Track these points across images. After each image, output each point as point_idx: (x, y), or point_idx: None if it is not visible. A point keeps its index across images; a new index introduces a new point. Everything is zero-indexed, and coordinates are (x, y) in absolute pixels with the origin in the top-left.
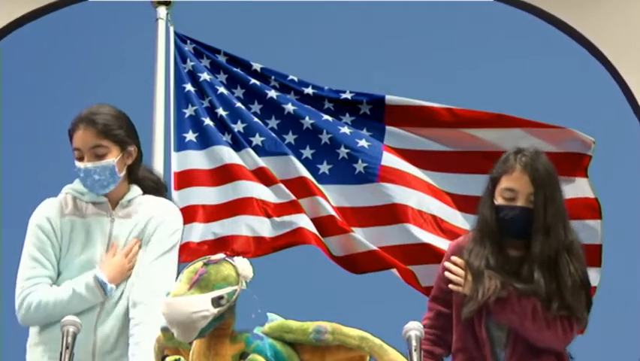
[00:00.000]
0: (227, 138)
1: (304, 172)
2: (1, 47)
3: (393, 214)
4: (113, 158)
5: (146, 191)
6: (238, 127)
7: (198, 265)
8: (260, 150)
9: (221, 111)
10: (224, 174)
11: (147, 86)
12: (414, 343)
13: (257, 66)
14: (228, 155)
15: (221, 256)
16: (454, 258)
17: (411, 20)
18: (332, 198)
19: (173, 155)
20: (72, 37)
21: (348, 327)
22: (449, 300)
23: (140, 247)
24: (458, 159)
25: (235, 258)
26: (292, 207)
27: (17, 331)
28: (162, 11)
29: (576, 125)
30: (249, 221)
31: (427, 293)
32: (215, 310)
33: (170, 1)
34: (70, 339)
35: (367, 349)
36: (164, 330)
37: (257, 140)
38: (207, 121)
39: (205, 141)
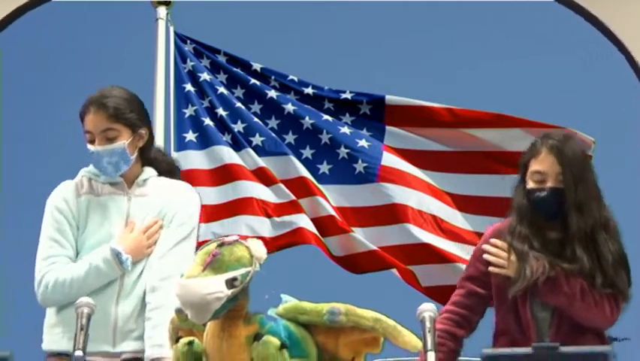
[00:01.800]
0: (227, 138)
1: (304, 172)
2: (1, 47)
3: (393, 214)
4: (123, 141)
5: (159, 173)
6: (238, 127)
7: (212, 246)
8: (260, 150)
9: (221, 111)
10: (224, 174)
11: (147, 86)
12: (428, 324)
13: (257, 66)
14: (228, 155)
15: (234, 237)
16: (493, 240)
17: (411, 20)
18: (332, 198)
19: (173, 155)
20: (72, 37)
21: (362, 308)
22: (487, 282)
23: (160, 226)
24: (458, 159)
25: (248, 239)
26: (292, 207)
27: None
28: (162, 11)
29: (577, 125)
30: (249, 221)
31: (427, 293)
32: (229, 292)
33: (170, 1)
34: (84, 320)
35: (381, 330)
36: (178, 312)
37: (257, 140)
38: (207, 121)
39: (205, 141)
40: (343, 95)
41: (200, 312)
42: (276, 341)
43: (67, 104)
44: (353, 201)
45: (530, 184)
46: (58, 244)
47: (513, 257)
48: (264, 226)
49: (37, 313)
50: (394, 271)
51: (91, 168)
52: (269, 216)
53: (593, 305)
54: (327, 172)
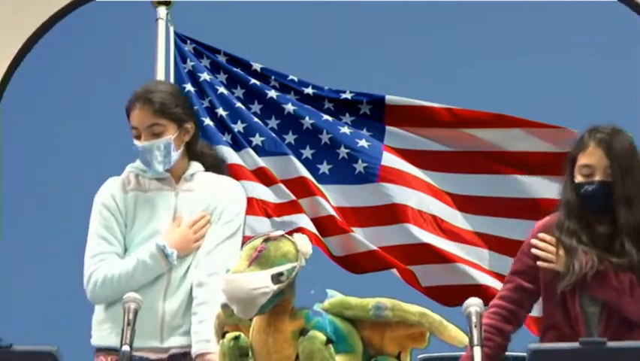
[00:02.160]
0: (227, 138)
1: (304, 172)
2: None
3: (393, 214)
4: (169, 136)
5: (205, 167)
6: (238, 127)
7: (258, 242)
8: (260, 150)
9: (221, 111)
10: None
11: None
12: (474, 319)
13: (257, 66)
14: (228, 155)
15: (280, 232)
16: (541, 235)
17: (411, 20)
18: (332, 198)
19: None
20: (72, 37)
21: (408, 304)
22: (535, 276)
23: (207, 221)
24: (458, 159)
25: (294, 235)
26: (292, 207)
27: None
28: (162, 11)
29: (577, 125)
30: (249, 221)
31: (427, 293)
32: (275, 287)
33: (170, 1)
34: (131, 316)
35: (427, 325)
36: (224, 307)
37: (257, 140)
38: (207, 121)
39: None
40: (343, 95)
41: (247, 307)
42: (322, 336)
43: (67, 104)
44: (353, 201)
45: (578, 178)
46: (106, 241)
47: (562, 252)
48: (264, 226)
49: (87, 309)
50: (394, 271)
51: (138, 163)
52: (269, 216)
53: None
54: (327, 172)
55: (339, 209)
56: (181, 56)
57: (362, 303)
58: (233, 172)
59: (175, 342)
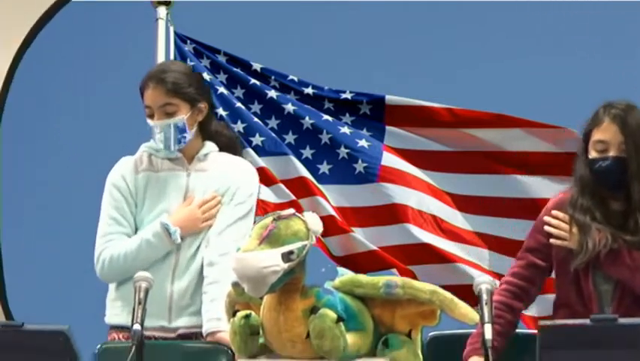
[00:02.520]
0: None
1: (304, 172)
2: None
3: (393, 214)
4: (182, 115)
5: (220, 147)
6: (238, 127)
7: (268, 220)
8: (260, 150)
9: (221, 111)
10: None
11: None
12: (485, 296)
13: (257, 66)
14: None
15: (290, 211)
16: (555, 212)
17: (411, 20)
18: (332, 198)
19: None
20: (72, 37)
21: (418, 281)
22: (548, 253)
23: (218, 202)
24: (458, 159)
25: (304, 213)
26: (292, 207)
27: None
28: (162, 11)
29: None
30: None
31: None
32: (286, 265)
33: (170, 1)
34: (142, 295)
35: (438, 303)
36: (235, 285)
37: (257, 140)
38: None
39: None
40: (343, 95)
41: (257, 285)
42: (332, 314)
43: (67, 104)
44: (353, 201)
45: (593, 154)
46: (115, 221)
47: (575, 229)
48: None
49: (101, 288)
50: (394, 271)
51: (151, 143)
52: None
53: None
54: (327, 172)
55: (339, 209)
56: (181, 56)
57: (373, 281)
58: None
59: (183, 322)
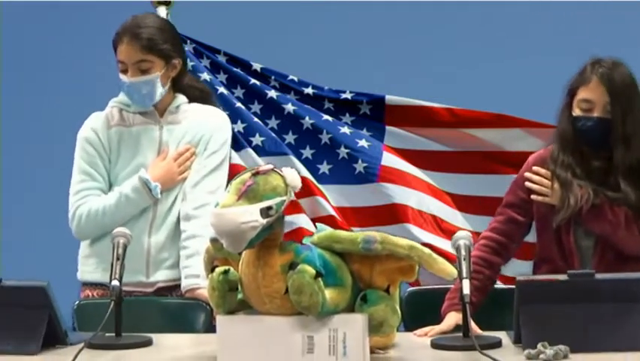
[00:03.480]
0: None
1: (304, 172)
2: (2, 51)
3: (393, 214)
4: (157, 72)
5: (192, 99)
6: (238, 127)
7: (246, 176)
8: (260, 150)
9: None
10: None
11: None
12: (463, 252)
13: (257, 66)
14: None
15: (269, 166)
16: (536, 168)
17: (411, 20)
18: (332, 198)
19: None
20: (72, 37)
21: (397, 236)
22: (528, 209)
23: (192, 154)
24: (458, 159)
25: (283, 168)
26: (292, 207)
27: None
28: (162, 11)
29: None
30: None
31: None
32: (264, 221)
33: (170, 1)
34: (120, 250)
35: (416, 258)
36: (214, 241)
37: (257, 140)
38: None
39: None
40: (343, 95)
41: (236, 241)
42: (311, 270)
43: (67, 104)
44: (353, 201)
45: (577, 111)
46: (89, 176)
47: (556, 185)
48: None
49: (74, 245)
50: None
51: (121, 97)
52: None
53: (637, 233)
54: (327, 172)
55: (339, 209)
56: None
57: (351, 236)
58: (234, 172)
59: (161, 276)
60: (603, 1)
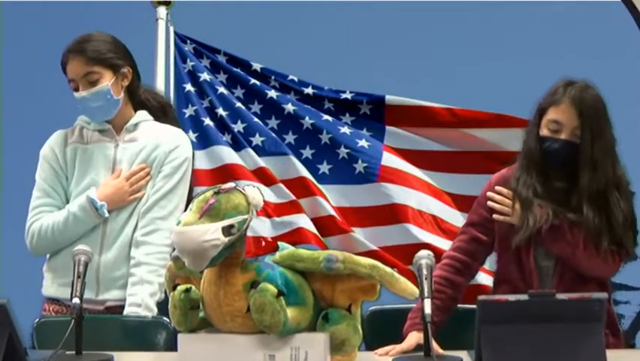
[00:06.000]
0: (227, 138)
1: (304, 172)
2: (3, 53)
3: (393, 214)
4: (106, 82)
5: (151, 112)
6: (238, 127)
7: (209, 194)
8: (260, 150)
9: (221, 111)
10: (224, 174)
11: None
12: (424, 271)
13: (257, 66)
14: (228, 155)
15: (231, 184)
16: (498, 188)
17: (411, 20)
18: (332, 198)
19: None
20: (72, 37)
21: (359, 256)
22: (490, 228)
23: (147, 174)
24: (458, 159)
25: (245, 187)
26: (292, 207)
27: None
28: (162, 11)
29: None
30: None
31: None
32: (226, 239)
33: (170, 1)
34: (82, 268)
35: (378, 278)
36: (175, 259)
37: (257, 140)
38: (207, 121)
39: (205, 141)
40: (343, 95)
41: (197, 259)
42: (272, 289)
43: (67, 104)
44: (353, 201)
45: (545, 131)
46: (45, 193)
47: (517, 205)
48: (265, 226)
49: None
50: (394, 271)
51: (83, 116)
52: (269, 216)
53: (596, 255)
54: (327, 172)
55: (339, 209)
56: (181, 56)
57: (313, 255)
58: (234, 172)
59: (110, 295)
60: (603, 1)
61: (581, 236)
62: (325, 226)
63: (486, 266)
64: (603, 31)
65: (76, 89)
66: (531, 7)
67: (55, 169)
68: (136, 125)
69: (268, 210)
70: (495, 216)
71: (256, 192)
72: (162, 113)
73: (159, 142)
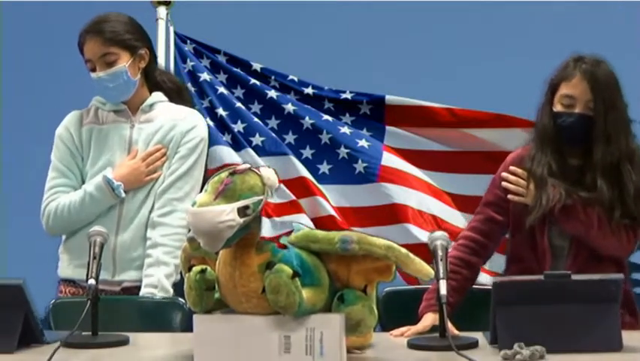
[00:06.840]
0: (227, 138)
1: (304, 172)
2: (2, 51)
3: (393, 214)
4: (123, 63)
5: (167, 93)
6: (238, 127)
7: (224, 175)
8: (260, 150)
9: (221, 111)
10: None
11: None
12: (440, 252)
13: (257, 66)
14: (229, 155)
15: (246, 165)
16: (512, 168)
17: (411, 20)
18: (332, 198)
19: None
20: (72, 37)
21: (374, 236)
22: (505, 208)
23: (163, 154)
24: (458, 159)
25: (261, 167)
26: (292, 207)
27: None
28: (162, 11)
29: None
30: None
31: None
32: (241, 220)
33: (170, 1)
34: (97, 249)
35: (394, 258)
36: (191, 240)
37: (257, 140)
38: (207, 121)
39: None
40: (343, 95)
41: (213, 240)
42: (288, 270)
43: (67, 104)
44: (353, 201)
45: (558, 107)
46: (60, 173)
47: (532, 185)
48: (265, 226)
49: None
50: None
51: (98, 96)
52: (269, 216)
53: (610, 234)
54: (327, 172)
55: (339, 209)
56: (181, 56)
57: (328, 236)
58: None
59: (127, 276)
60: (603, 1)
61: (595, 215)
62: (325, 225)
63: (486, 266)
64: (603, 31)
65: (93, 70)
66: (531, 7)
67: (71, 149)
68: (151, 105)
69: (268, 210)
70: (510, 196)
71: (271, 173)
72: (177, 94)
73: (175, 123)
